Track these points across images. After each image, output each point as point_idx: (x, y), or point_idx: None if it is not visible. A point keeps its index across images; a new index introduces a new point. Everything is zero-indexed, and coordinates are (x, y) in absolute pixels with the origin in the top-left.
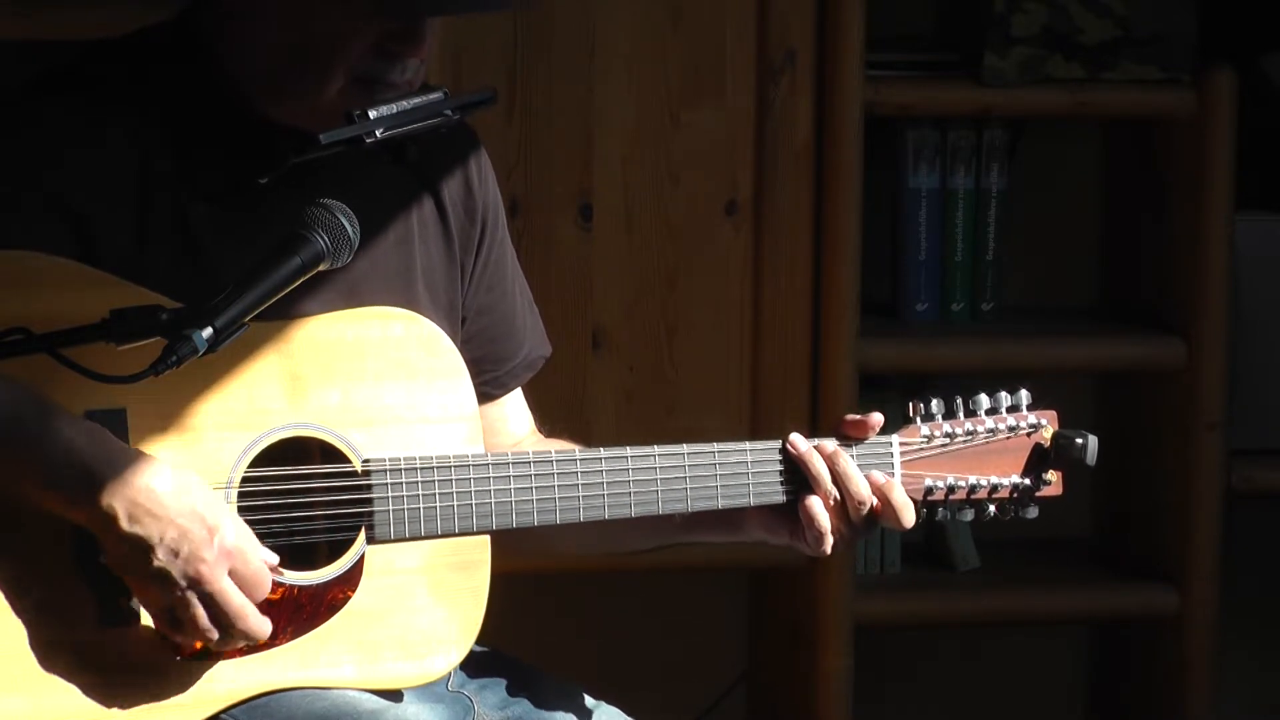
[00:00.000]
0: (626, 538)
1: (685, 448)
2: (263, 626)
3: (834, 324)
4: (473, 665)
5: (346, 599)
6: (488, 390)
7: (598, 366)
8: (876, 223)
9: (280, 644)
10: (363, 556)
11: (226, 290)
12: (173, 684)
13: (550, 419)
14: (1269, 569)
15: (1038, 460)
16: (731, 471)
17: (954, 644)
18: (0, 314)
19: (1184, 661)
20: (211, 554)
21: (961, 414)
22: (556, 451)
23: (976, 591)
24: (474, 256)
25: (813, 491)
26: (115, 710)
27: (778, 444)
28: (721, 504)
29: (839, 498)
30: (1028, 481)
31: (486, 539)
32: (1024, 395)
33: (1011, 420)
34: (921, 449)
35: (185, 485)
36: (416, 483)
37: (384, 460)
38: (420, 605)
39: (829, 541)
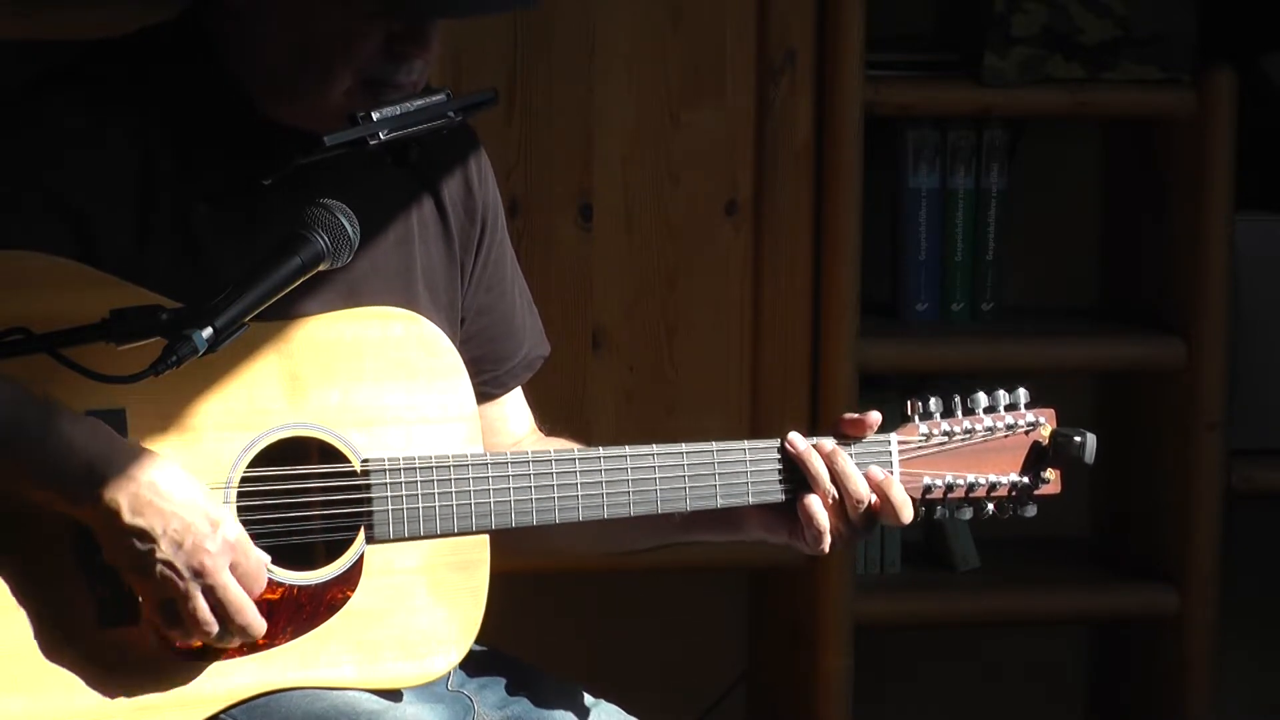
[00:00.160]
0: (625, 537)
1: (684, 447)
2: (259, 623)
3: (834, 324)
4: (472, 665)
5: (346, 599)
6: (487, 390)
7: (598, 366)
8: (876, 223)
9: (280, 644)
10: (362, 556)
11: (226, 290)
12: (172, 684)
13: (550, 419)
14: (1269, 569)
15: (1036, 459)
16: (730, 471)
17: (954, 644)
18: (0, 314)
19: (1184, 661)
20: (215, 545)
21: (959, 412)
22: (556, 451)
23: (976, 591)
24: (473, 256)
25: (811, 490)
26: (115, 710)
27: (776, 443)
28: (720, 503)
29: (837, 496)
30: (1026, 480)
31: (486, 539)
32: (1022, 394)
33: (1009, 419)
34: (920, 447)
35: (186, 478)
36: (416, 483)
37: (383, 460)
38: (419, 605)
39: (827, 540)
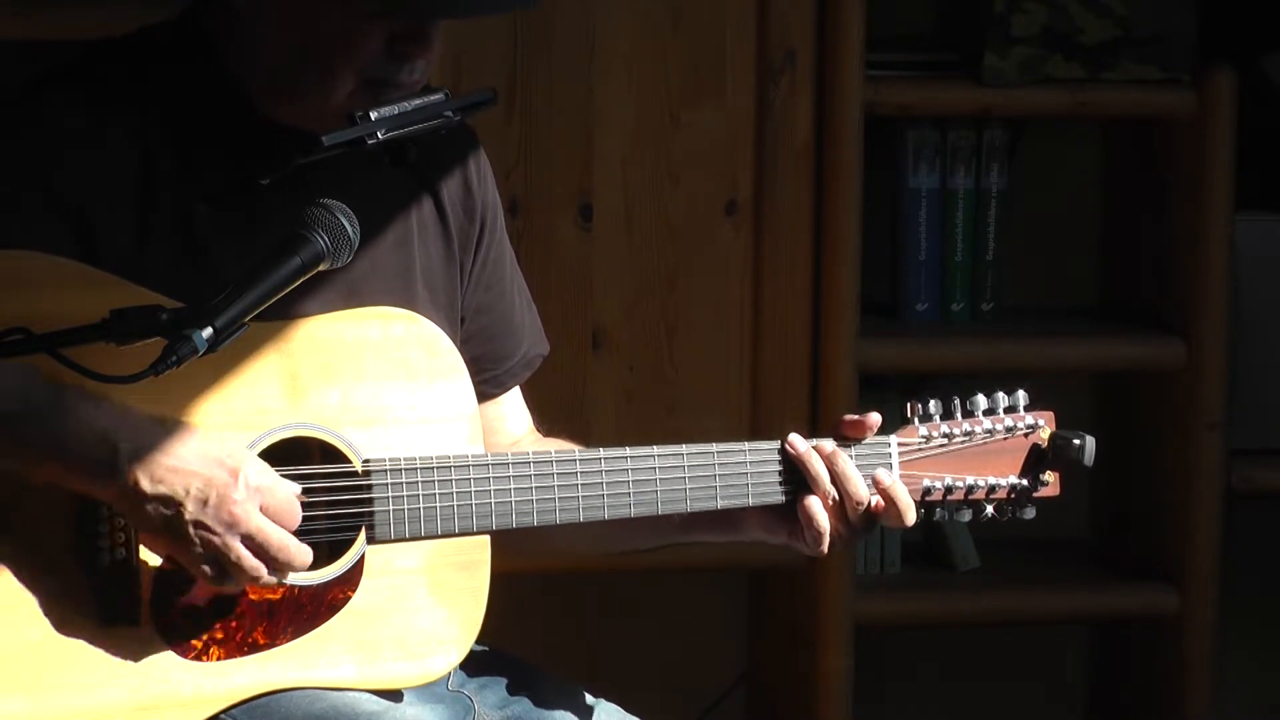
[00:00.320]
0: (626, 538)
1: (684, 448)
2: (304, 553)
3: (834, 324)
4: (473, 664)
5: (346, 599)
6: (486, 389)
7: (598, 366)
8: (876, 223)
9: (280, 644)
10: (363, 556)
11: (227, 290)
12: (173, 684)
13: (550, 419)
14: (1269, 569)
15: (1035, 461)
16: (730, 472)
17: (954, 644)
18: (0, 314)
19: (1184, 661)
20: (240, 494)
21: (959, 414)
22: (556, 452)
23: (976, 591)
24: (473, 256)
25: (811, 492)
26: (115, 710)
27: (776, 444)
28: (720, 504)
29: (837, 498)
30: (1025, 482)
31: (486, 539)
32: (1021, 396)
33: (1009, 421)
34: (920, 449)
35: (199, 434)
36: (416, 483)
37: (384, 460)
38: (420, 605)
39: (827, 541)
